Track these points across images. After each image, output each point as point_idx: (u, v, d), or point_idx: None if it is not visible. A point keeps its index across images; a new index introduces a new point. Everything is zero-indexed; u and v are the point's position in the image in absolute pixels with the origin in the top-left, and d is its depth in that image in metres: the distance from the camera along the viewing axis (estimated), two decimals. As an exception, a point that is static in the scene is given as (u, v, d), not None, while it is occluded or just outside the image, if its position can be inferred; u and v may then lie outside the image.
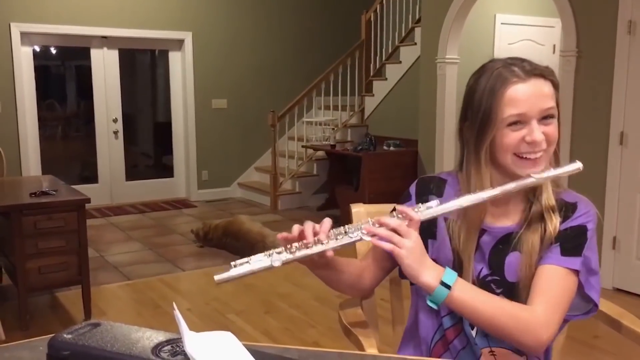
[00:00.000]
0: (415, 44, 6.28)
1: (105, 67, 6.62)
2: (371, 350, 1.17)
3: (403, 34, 6.78)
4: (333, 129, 6.90)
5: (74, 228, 3.37)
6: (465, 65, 5.27)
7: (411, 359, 1.02)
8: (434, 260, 1.22)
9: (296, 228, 1.19)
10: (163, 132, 7.23)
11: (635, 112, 3.81)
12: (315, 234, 1.17)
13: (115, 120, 6.73)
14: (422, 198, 1.33)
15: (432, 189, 1.35)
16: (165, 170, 7.30)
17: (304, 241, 1.16)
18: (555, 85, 1.24)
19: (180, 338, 0.87)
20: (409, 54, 6.46)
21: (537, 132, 1.19)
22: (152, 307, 3.79)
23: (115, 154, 6.81)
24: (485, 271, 1.26)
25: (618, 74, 3.88)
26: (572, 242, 1.22)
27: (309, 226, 1.18)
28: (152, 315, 3.64)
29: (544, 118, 1.21)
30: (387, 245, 1.14)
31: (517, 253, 1.24)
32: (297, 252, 1.15)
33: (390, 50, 6.96)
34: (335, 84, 6.86)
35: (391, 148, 5.93)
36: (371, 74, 7.12)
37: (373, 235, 1.15)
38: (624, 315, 1.47)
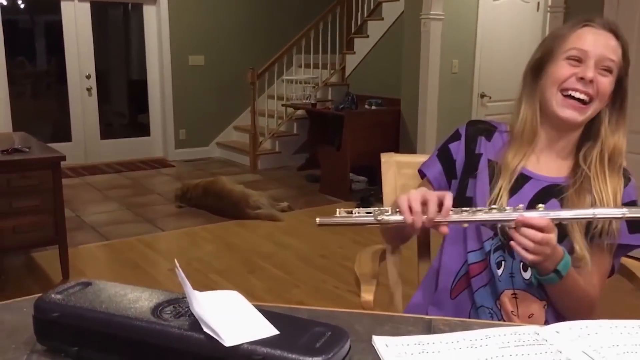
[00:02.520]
0: None
1: (76, 22, 6.34)
2: (365, 295, 1.13)
3: (385, -10, 6.62)
4: (314, 87, 6.77)
5: (49, 187, 3.25)
6: (449, 22, 5.16)
7: (429, 317, 0.97)
8: (470, 198, 1.29)
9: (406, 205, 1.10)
10: (138, 89, 7.00)
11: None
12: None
13: (88, 77, 6.49)
14: (473, 140, 1.36)
15: (482, 132, 1.37)
16: (141, 129, 7.11)
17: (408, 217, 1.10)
18: (625, 54, 1.27)
19: (182, 298, 0.80)
20: (391, 10, 6.30)
21: (590, 70, 1.22)
22: (132, 267, 3.71)
23: (89, 111, 6.59)
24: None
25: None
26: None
27: (433, 202, 1.09)
28: (132, 275, 3.56)
29: (602, 69, 1.23)
30: (529, 257, 1.09)
31: (556, 201, 1.25)
32: (394, 216, 1.10)
33: (372, 7, 6.79)
34: (315, 41, 6.69)
35: (373, 107, 5.84)
36: (352, 31, 6.95)
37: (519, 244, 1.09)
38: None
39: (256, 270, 3.70)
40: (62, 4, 6.26)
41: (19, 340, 0.83)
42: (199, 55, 6.95)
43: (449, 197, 1.09)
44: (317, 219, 1.09)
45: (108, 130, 6.83)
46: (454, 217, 1.08)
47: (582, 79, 1.22)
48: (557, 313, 1.28)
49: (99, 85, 6.60)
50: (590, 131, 1.30)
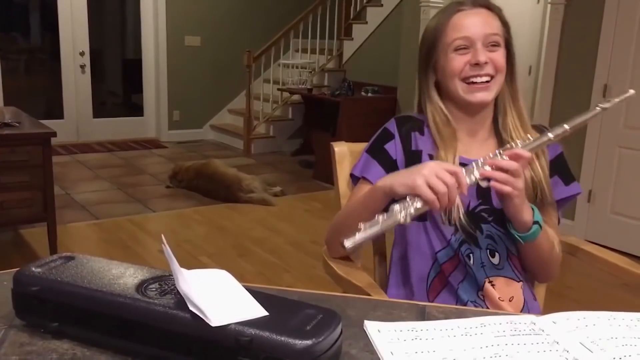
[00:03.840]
0: (398, -14, 6.06)
1: (71, -3, 6.25)
2: (373, 291, 1.09)
3: (386, -24, 6.55)
4: (310, 72, 6.71)
5: (38, 163, 3.19)
6: (449, 11, 5.11)
7: (422, 304, 0.94)
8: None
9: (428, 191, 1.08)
10: (133, 69, 6.92)
11: (620, 65, 3.75)
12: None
13: (82, 54, 6.40)
14: (407, 137, 1.34)
15: (414, 127, 1.35)
16: (134, 109, 7.03)
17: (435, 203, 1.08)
18: (503, 21, 1.31)
19: (168, 275, 0.77)
20: (391, -3, 6.25)
21: (481, 53, 1.24)
22: (122, 247, 3.68)
23: (82, 89, 6.51)
24: (473, 202, 1.28)
25: (606, 24, 3.79)
26: (565, 169, 1.34)
27: (447, 180, 1.08)
28: (121, 255, 3.53)
29: (490, 45, 1.26)
30: (506, 189, 1.12)
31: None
32: (424, 207, 1.08)
33: (371, -7, 6.73)
34: (313, 26, 6.62)
35: (369, 94, 5.80)
36: (351, 16, 6.88)
37: (489, 179, 1.12)
38: (582, 243, 1.54)
39: (247, 254, 3.67)
40: (58, -22, 6.16)
41: (-3, 314, 0.80)
42: (195, 36, 6.87)
43: (454, 165, 1.14)
44: (346, 243, 1.05)
45: (101, 109, 6.75)
46: (467, 181, 1.10)
47: (476, 64, 1.24)
48: (531, 289, 1.33)
49: (93, 64, 6.51)
50: (497, 106, 1.34)
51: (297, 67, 6.83)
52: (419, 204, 1.06)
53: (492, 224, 1.28)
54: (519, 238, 1.21)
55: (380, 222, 1.05)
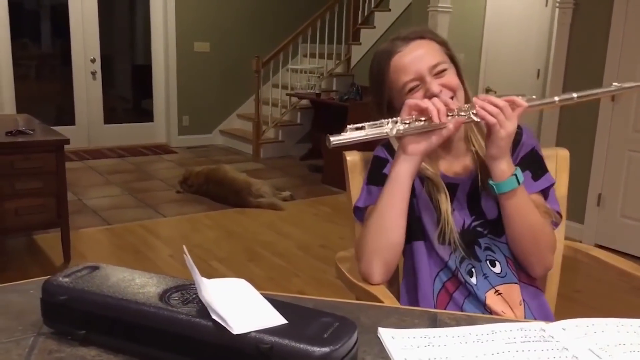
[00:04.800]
0: (406, -9, 6.09)
1: (82, 4, 6.31)
2: (388, 301, 1.11)
3: (393, -19, 6.58)
4: (318, 77, 6.75)
5: (52, 169, 3.25)
6: (457, 15, 5.14)
7: (434, 311, 0.97)
8: (418, 217, 1.30)
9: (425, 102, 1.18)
10: (143, 75, 6.98)
11: (630, 68, 3.76)
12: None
13: (93, 60, 6.47)
14: None
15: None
16: (144, 114, 7.09)
17: (422, 117, 1.16)
18: (440, 42, 1.32)
19: (190, 284, 0.80)
20: (399, 2, 6.27)
21: (433, 85, 1.25)
22: (133, 252, 3.72)
23: (93, 95, 6.57)
24: (468, 220, 1.31)
25: (614, 27, 3.80)
26: (535, 164, 1.34)
27: (435, 102, 1.16)
28: (133, 260, 3.57)
29: (437, 74, 1.27)
30: (490, 119, 1.15)
31: (485, 193, 1.30)
32: (412, 124, 1.15)
33: (379, -2, 6.76)
34: (321, 31, 6.66)
35: (377, 99, 5.82)
36: (359, 21, 6.92)
37: (482, 109, 1.16)
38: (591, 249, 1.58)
39: (256, 258, 3.71)
40: (69, -14, 6.23)
41: (25, 322, 0.83)
42: (204, 42, 6.92)
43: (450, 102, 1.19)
44: (331, 138, 1.10)
45: (111, 114, 6.82)
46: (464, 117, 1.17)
47: (433, 95, 1.24)
48: (534, 286, 1.33)
49: (103, 70, 6.57)
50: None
51: (305, 72, 6.87)
52: (408, 121, 1.14)
53: (488, 235, 1.31)
54: (493, 187, 1.22)
55: (366, 129, 1.11)
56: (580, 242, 4.08)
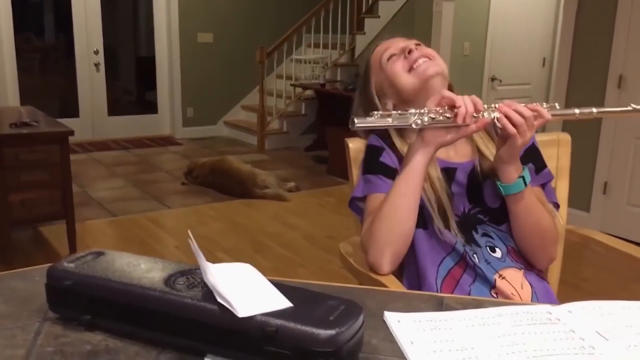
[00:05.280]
0: (410, -20, 6.05)
1: (85, -4, 6.32)
2: (390, 283, 1.11)
3: (397, -30, 6.53)
4: (323, 67, 6.73)
5: (57, 161, 3.26)
6: (462, 4, 5.11)
7: (441, 295, 0.96)
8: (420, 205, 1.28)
9: (449, 99, 1.17)
10: (146, 66, 6.98)
11: (636, 55, 3.73)
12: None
13: (96, 52, 6.47)
14: (392, 145, 1.36)
15: (389, 139, 1.37)
16: (148, 106, 7.09)
17: (449, 113, 1.15)
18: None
19: (195, 269, 0.80)
20: (402, -9, 6.24)
21: (409, 44, 1.34)
22: (139, 243, 3.73)
23: (97, 87, 6.58)
24: (467, 206, 1.30)
25: (621, 14, 3.77)
26: (536, 158, 1.36)
27: (466, 101, 1.15)
28: (138, 251, 3.55)
29: (415, 46, 1.34)
30: (511, 129, 1.15)
31: (489, 180, 1.30)
32: (437, 117, 1.14)
33: (383, -13, 6.72)
34: (325, 21, 6.63)
35: (382, 88, 5.80)
36: (363, 10, 6.88)
37: (506, 117, 1.16)
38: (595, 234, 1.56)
39: (262, 249, 3.71)
40: (71, -22, 6.22)
41: (31, 307, 0.83)
42: (207, 32, 6.91)
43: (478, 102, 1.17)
44: (356, 120, 1.09)
45: (116, 106, 6.82)
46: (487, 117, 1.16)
47: (409, 52, 1.32)
48: (536, 272, 1.33)
49: (107, 61, 6.57)
50: None
51: (309, 62, 6.85)
52: (434, 115, 1.13)
53: (488, 223, 1.30)
54: (501, 188, 1.24)
55: (392, 117, 1.11)
56: (586, 230, 4.08)
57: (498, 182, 1.24)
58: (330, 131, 5.78)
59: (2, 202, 3.13)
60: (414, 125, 1.11)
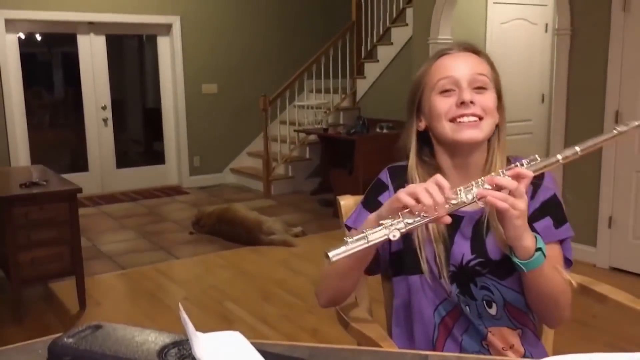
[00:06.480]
0: (407, 24, 6.20)
1: (92, 54, 6.51)
2: (386, 344, 1.13)
3: (394, 15, 6.70)
4: (325, 112, 6.84)
5: (65, 219, 3.32)
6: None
7: (425, 353, 0.99)
8: (415, 251, 1.25)
9: (409, 197, 1.06)
10: (153, 118, 7.13)
11: (630, 91, 3.78)
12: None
13: (104, 108, 6.63)
14: (399, 187, 1.23)
15: (404, 176, 1.32)
16: (156, 157, 7.22)
17: (420, 208, 1.04)
18: (491, 65, 1.29)
19: (186, 340, 0.84)
20: (400, 35, 6.39)
21: (466, 92, 1.21)
22: (148, 296, 3.75)
23: (105, 141, 6.72)
24: (468, 256, 1.26)
25: (613, 51, 3.84)
26: (555, 211, 1.27)
27: (432, 191, 1.05)
28: (148, 304, 3.61)
29: (477, 88, 1.23)
30: (502, 205, 1.08)
31: (491, 233, 1.25)
32: (414, 220, 1.04)
33: (381, 32, 6.88)
34: (326, 67, 6.78)
35: (384, 130, 5.88)
36: (362, 55, 7.04)
37: (483, 197, 1.07)
38: (613, 292, 1.55)
39: (270, 297, 3.73)
40: (79, 37, 6.42)
41: (33, 382, 0.87)
42: (212, 83, 7.07)
43: (440, 176, 1.08)
44: (330, 254, 0.98)
45: (124, 158, 6.95)
46: (465, 199, 1.07)
47: (462, 103, 1.21)
48: (532, 336, 1.30)
49: (114, 115, 6.72)
50: (488, 154, 1.29)
51: (312, 108, 6.97)
52: (409, 220, 1.03)
53: (488, 275, 1.25)
54: (520, 266, 1.16)
55: (368, 236, 1.01)
56: (594, 265, 4.07)
57: (515, 259, 1.16)
58: (335, 174, 5.85)
59: (12, 262, 3.19)
60: (391, 237, 1.02)
